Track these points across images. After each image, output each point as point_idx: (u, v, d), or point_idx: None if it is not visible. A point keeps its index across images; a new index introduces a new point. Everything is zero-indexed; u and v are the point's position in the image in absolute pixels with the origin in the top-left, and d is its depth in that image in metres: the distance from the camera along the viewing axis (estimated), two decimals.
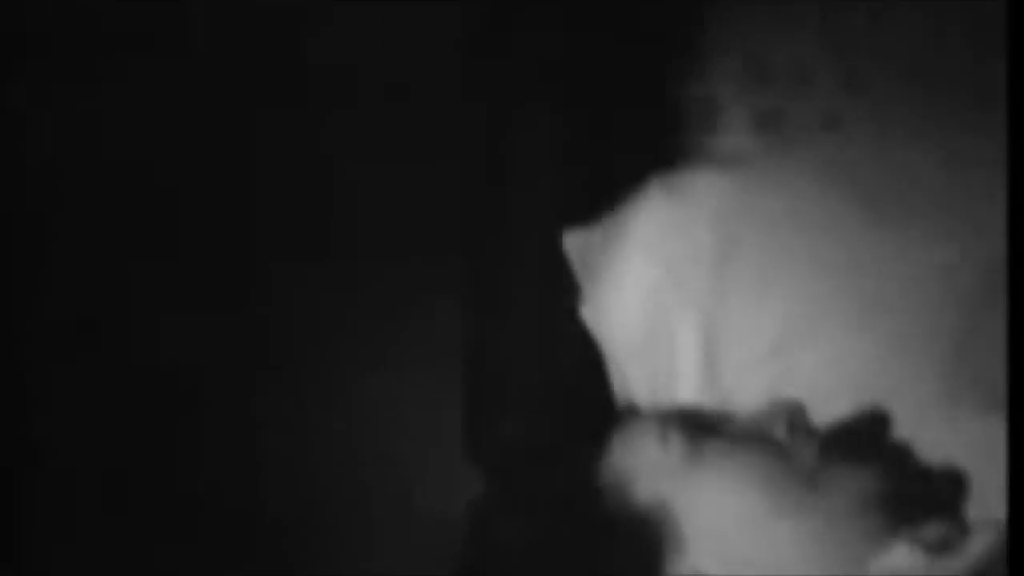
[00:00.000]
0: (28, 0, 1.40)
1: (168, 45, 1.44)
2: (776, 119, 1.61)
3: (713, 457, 1.34)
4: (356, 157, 1.51)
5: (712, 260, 1.51)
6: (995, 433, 1.43)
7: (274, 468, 1.43)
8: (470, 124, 1.58)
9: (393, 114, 1.52)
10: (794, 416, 1.37)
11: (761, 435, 1.36)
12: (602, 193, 1.59)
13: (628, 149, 1.61)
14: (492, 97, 1.59)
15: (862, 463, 1.34)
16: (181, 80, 1.45)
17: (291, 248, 1.48)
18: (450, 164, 1.57)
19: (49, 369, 1.39)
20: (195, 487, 1.38)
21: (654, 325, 1.51)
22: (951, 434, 1.43)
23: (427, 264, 1.52)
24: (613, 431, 1.41)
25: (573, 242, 1.58)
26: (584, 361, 1.55)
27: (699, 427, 1.37)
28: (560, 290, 1.57)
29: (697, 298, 1.51)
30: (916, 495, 1.36)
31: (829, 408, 1.44)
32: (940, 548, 1.30)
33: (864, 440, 1.42)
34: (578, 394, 1.55)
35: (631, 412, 1.49)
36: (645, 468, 1.35)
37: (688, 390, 1.50)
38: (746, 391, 1.48)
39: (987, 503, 1.40)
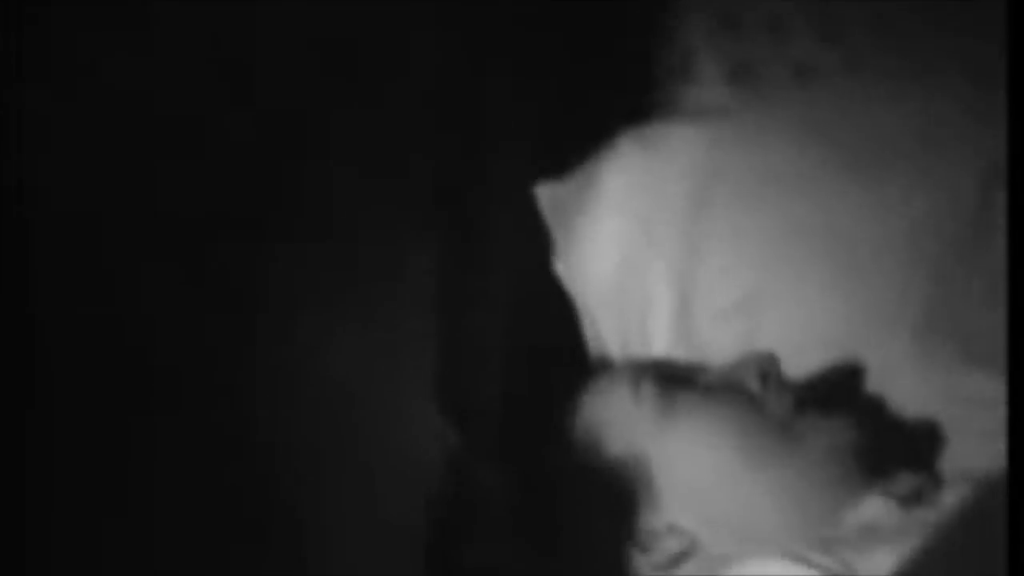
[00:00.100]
0: None
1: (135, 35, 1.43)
2: (750, 72, 1.59)
3: (686, 410, 1.34)
4: (329, 112, 1.49)
5: (684, 214, 1.51)
6: (968, 386, 1.43)
7: (244, 419, 1.41)
8: (443, 80, 1.56)
9: (366, 69, 1.51)
10: (767, 368, 1.36)
11: (734, 387, 1.36)
12: (575, 147, 1.58)
13: (601, 103, 1.60)
14: (466, 52, 1.57)
15: (835, 416, 1.34)
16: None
17: (263, 202, 1.47)
18: (424, 119, 1.55)
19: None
20: (167, 432, 1.37)
21: (626, 279, 1.51)
22: (924, 388, 1.43)
23: (401, 217, 1.50)
24: (586, 384, 1.40)
25: (546, 196, 1.57)
26: (557, 314, 1.54)
27: (672, 380, 1.37)
28: (533, 244, 1.56)
29: (669, 252, 1.50)
30: (889, 448, 1.36)
31: (802, 361, 1.44)
32: (913, 500, 1.29)
33: (837, 393, 1.42)
34: (551, 347, 1.54)
35: (604, 365, 1.48)
36: (618, 421, 1.34)
37: (661, 343, 1.50)
38: (719, 344, 1.48)
39: (961, 456, 1.40)
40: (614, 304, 1.51)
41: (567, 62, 1.61)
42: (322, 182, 1.49)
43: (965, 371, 1.43)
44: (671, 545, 1.30)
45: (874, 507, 1.29)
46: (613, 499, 1.31)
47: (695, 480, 1.31)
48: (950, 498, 1.28)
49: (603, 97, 1.61)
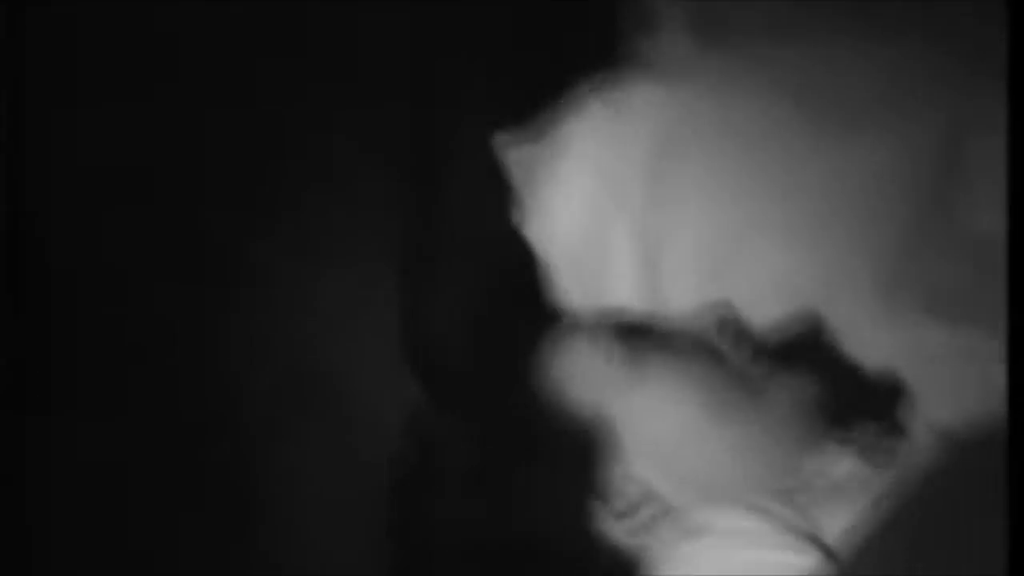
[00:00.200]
0: None
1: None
2: (715, 28, 1.58)
3: (649, 364, 1.33)
4: (294, 73, 1.48)
5: (649, 170, 1.49)
6: (931, 340, 1.43)
7: (209, 378, 1.41)
8: (404, 35, 1.55)
9: (322, 30, 1.50)
10: (729, 321, 1.36)
11: (696, 340, 1.36)
12: (539, 102, 1.56)
13: (566, 57, 1.59)
14: (430, 8, 1.57)
15: (797, 368, 1.34)
16: None
17: (229, 159, 1.46)
18: (389, 74, 1.54)
19: None
20: (136, 387, 1.37)
21: (591, 234, 1.50)
22: (887, 340, 1.43)
23: (365, 171, 1.49)
24: (550, 340, 1.39)
25: (510, 152, 1.55)
26: (521, 269, 1.53)
27: (635, 334, 1.37)
28: (497, 200, 1.54)
29: (633, 207, 1.49)
30: (851, 400, 1.36)
31: (765, 315, 1.44)
32: (875, 452, 1.29)
33: (799, 345, 1.42)
34: (515, 302, 1.54)
35: (568, 320, 1.48)
36: (582, 376, 1.34)
37: (625, 298, 1.48)
38: (682, 299, 1.46)
39: (923, 409, 1.40)
40: (578, 259, 1.50)
41: (531, 15, 1.60)
42: (288, 143, 1.49)
43: (928, 325, 1.43)
44: (632, 496, 1.30)
45: (835, 459, 1.29)
46: (577, 454, 1.31)
47: (657, 433, 1.31)
48: (912, 451, 1.29)
49: (568, 51, 1.59)
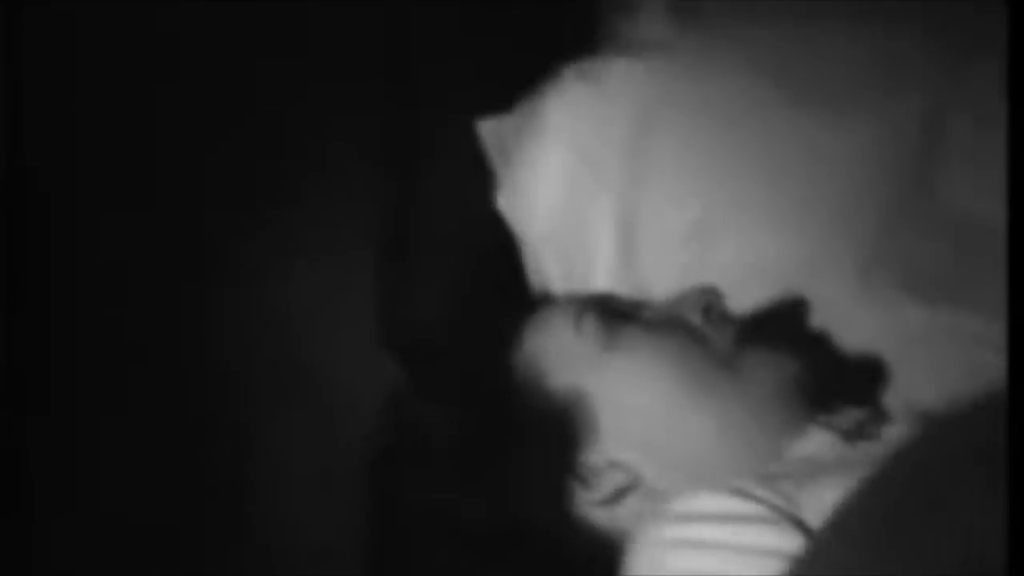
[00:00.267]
0: None
1: None
2: (693, 6, 1.57)
3: (628, 343, 1.32)
4: (269, 48, 1.47)
5: (627, 148, 1.49)
6: (913, 321, 1.42)
7: (191, 357, 1.40)
8: (381, 19, 1.54)
9: (297, 21, 1.49)
10: (710, 301, 1.35)
11: (677, 321, 1.34)
12: (518, 82, 1.55)
13: (544, 35, 1.57)
14: None
15: (779, 350, 1.32)
16: None
17: (203, 137, 1.45)
18: (364, 50, 1.53)
19: None
20: (113, 368, 1.36)
21: (570, 213, 1.49)
22: (869, 322, 1.43)
23: (341, 149, 1.48)
24: (528, 317, 1.38)
25: (489, 128, 1.55)
26: (499, 247, 1.52)
27: (614, 314, 1.35)
28: (476, 178, 1.53)
29: (612, 186, 1.48)
30: (833, 382, 1.35)
31: (746, 295, 1.43)
32: (857, 434, 1.28)
33: (781, 327, 1.41)
34: (493, 280, 1.53)
35: (547, 299, 1.47)
36: (560, 355, 1.33)
37: (604, 278, 1.48)
38: (662, 278, 1.46)
39: (905, 390, 1.39)
40: (557, 238, 1.49)
41: None
42: (267, 122, 1.48)
43: (909, 304, 1.42)
44: (613, 480, 1.29)
45: (817, 441, 1.28)
46: (555, 434, 1.30)
47: (637, 414, 1.29)
48: (894, 432, 1.28)
49: (547, 31, 1.58)
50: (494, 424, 1.32)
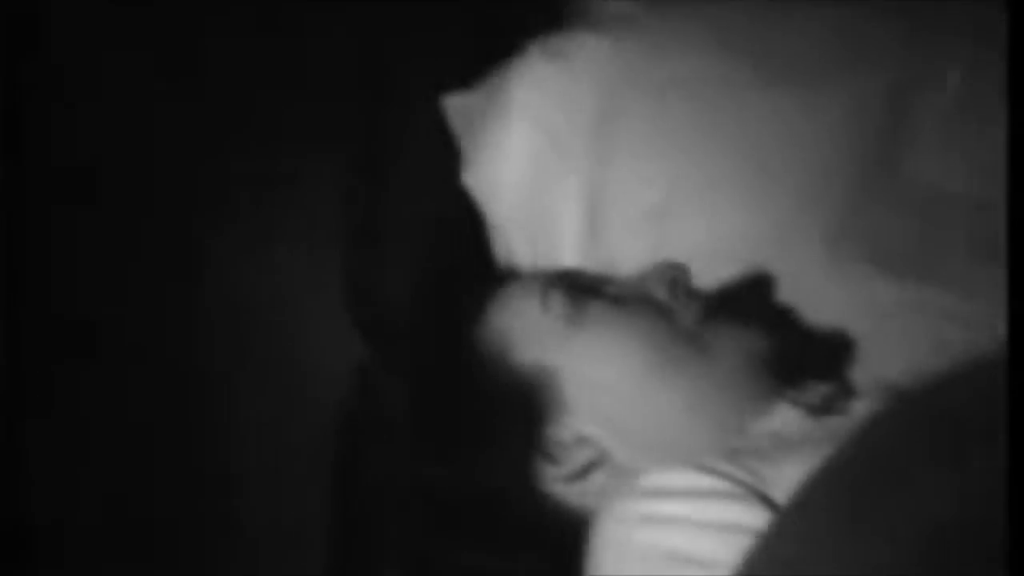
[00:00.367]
0: None
1: None
2: None
3: (594, 319, 1.31)
4: (237, 38, 1.47)
5: (593, 125, 1.48)
6: (880, 295, 1.42)
7: (156, 334, 1.40)
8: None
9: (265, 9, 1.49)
10: (676, 277, 1.34)
11: (643, 296, 1.34)
12: (484, 58, 1.54)
13: (510, 14, 1.56)
14: None
15: (745, 325, 1.32)
16: None
17: (174, 116, 1.45)
18: (332, 32, 1.52)
19: None
20: (83, 344, 1.36)
21: (535, 190, 1.48)
22: (836, 297, 1.42)
23: (309, 129, 1.48)
24: (494, 294, 1.37)
25: (455, 107, 1.54)
26: (466, 226, 1.51)
27: (580, 290, 1.34)
28: (442, 155, 1.52)
29: (578, 163, 1.47)
30: (799, 357, 1.35)
31: (712, 271, 1.42)
32: (823, 409, 1.28)
33: (747, 302, 1.40)
34: (460, 259, 1.52)
35: (512, 275, 1.46)
36: (526, 331, 1.32)
37: (570, 255, 1.47)
38: (629, 255, 1.45)
39: (872, 365, 1.39)
40: (523, 216, 1.48)
41: None
42: (233, 100, 1.47)
43: (877, 280, 1.42)
44: (580, 456, 1.28)
45: (783, 417, 1.27)
46: (521, 409, 1.29)
47: (604, 390, 1.28)
48: (861, 407, 1.28)
49: (512, 8, 1.57)
50: (460, 400, 1.32)
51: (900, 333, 1.40)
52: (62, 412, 1.33)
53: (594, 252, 1.47)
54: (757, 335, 1.31)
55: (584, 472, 1.28)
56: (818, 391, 1.31)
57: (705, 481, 1.18)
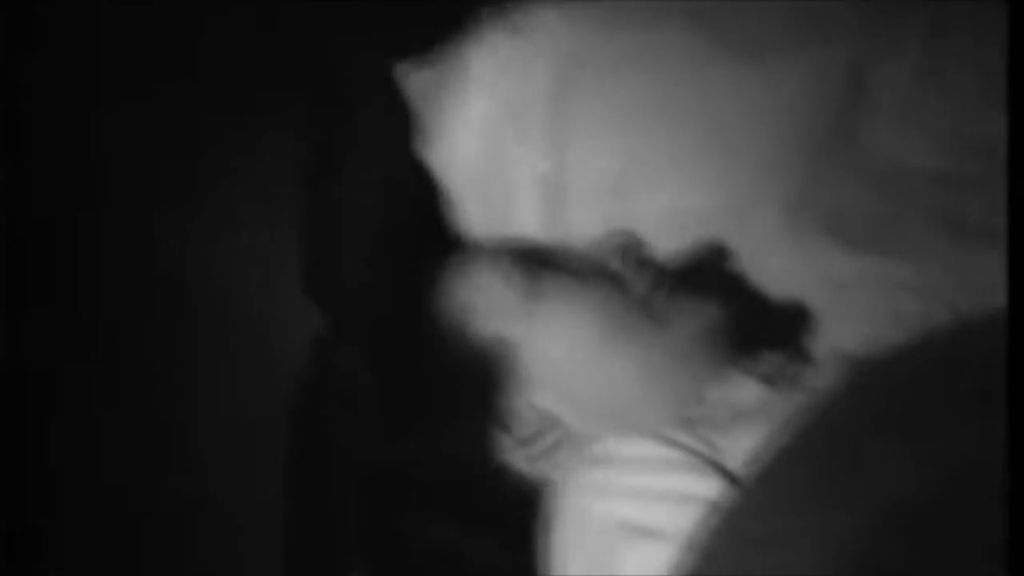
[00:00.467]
0: None
1: None
2: None
3: (552, 292, 1.31)
4: (189, 10, 1.47)
5: (552, 99, 1.46)
6: (837, 267, 1.42)
7: (113, 306, 1.40)
8: None
9: None
10: (631, 249, 1.34)
11: (598, 268, 1.33)
12: (441, 30, 1.53)
13: None
14: None
15: (701, 296, 1.31)
16: None
17: (132, 89, 1.44)
18: (288, 6, 1.51)
19: None
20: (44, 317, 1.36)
21: (493, 162, 1.46)
22: (793, 268, 1.42)
23: (265, 102, 1.47)
24: (451, 266, 1.37)
25: (412, 79, 1.52)
26: (423, 198, 1.50)
27: (537, 261, 1.34)
28: (399, 127, 1.51)
29: (536, 135, 1.46)
30: (756, 328, 1.34)
31: (670, 242, 1.42)
32: (779, 380, 1.28)
33: (704, 273, 1.40)
34: (417, 231, 1.51)
35: (470, 246, 1.45)
36: (483, 303, 1.31)
37: (528, 227, 1.46)
38: (586, 227, 1.44)
39: (829, 336, 1.39)
40: (480, 188, 1.47)
41: None
42: (191, 72, 1.46)
43: (835, 252, 1.41)
44: (537, 427, 1.28)
45: (739, 387, 1.27)
46: (479, 381, 1.28)
47: (560, 362, 1.28)
48: (817, 378, 1.27)
49: None
50: (418, 372, 1.31)
51: (857, 304, 1.39)
52: (25, 390, 1.33)
53: (552, 225, 1.45)
54: (713, 306, 1.31)
55: (542, 443, 1.28)
56: (774, 362, 1.31)
57: (660, 451, 1.18)
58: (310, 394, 1.36)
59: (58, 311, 1.36)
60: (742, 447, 1.16)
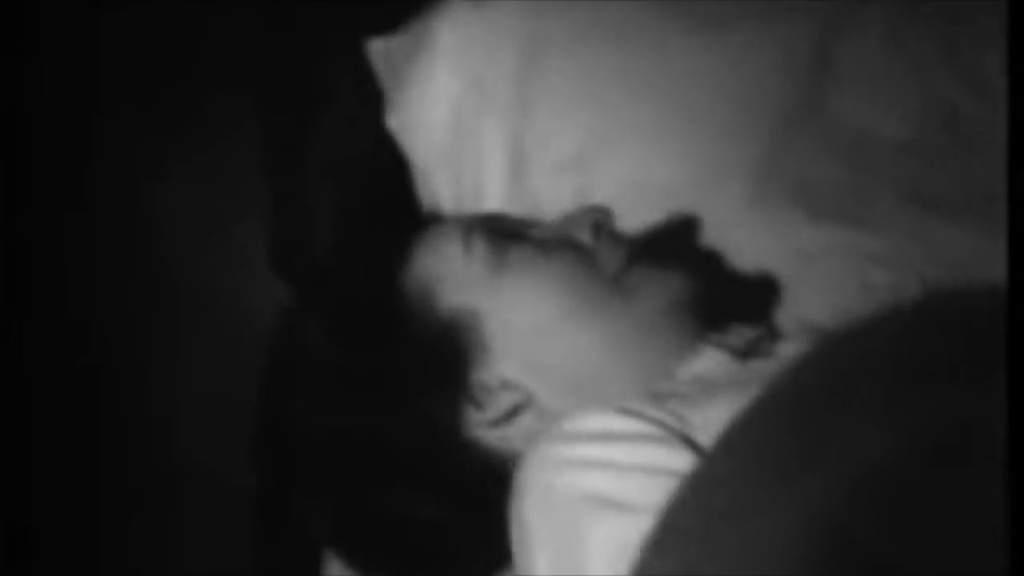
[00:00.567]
0: None
1: None
2: None
3: (518, 263, 1.29)
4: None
5: (517, 70, 1.46)
6: (805, 239, 1.42)
7: (82, 282, 1.39)
8: None
9: None
10: (599, 221, 1.33)
11: (565, 240, 1.32)
12: (408, 3, 1.52)
13: None
14: None
15: (668, 268, 1.30)
16: None
17: (95, 63, 1.43)
18: None
19: None
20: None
21: (460, 136, 1.46)
22: (762, 240, 1.42)
23: (231, 75, 1.46)
24: (417, 238, 1.36)
25: (379, 52, 1.51)
26: (390, 171, 1.49)
27: (503, 233, 1.33)
28: (366, 99, 1.50)
29: (502, 108, 1.46)
30: (724, 300, 1.34)
31: (637, 215, 1.41)
32: (748, 352, 1.27)
33: (671, 246, 1.39)
34: (384, 204, 1.50)
35: (436, 219, 1.44)
36: (449, 275, 1.30)
37: (495, 200, 1.45)
38: (554, 200, 1.44)
39: (797, 308, 1.39)
40: (447, 161, 1.47)
41: None
42: (154, 45, 1.45)
43: (802, 224, 1.41)
44: (505, 400, 1.27)
45: (708, 360, 1.26)
46: (445, 354, 1.27)
47: (526, 334, 1.27)
48: (786, 350, 1.27)
49: None
50: (384, 344, 1.30)
51: (826, 276, 1.39)
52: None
53: (518, 196, 1.45)
54: (681, 278, 1.30)
55: (509, 416, 1.27)
56: (743, 334, 1.30)
57: (629, 424, 1.17)
58: (277, 367, 1.35)
59: (25, 287, 1.35)
60: (712, 420, 1.14)
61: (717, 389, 1.21)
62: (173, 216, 1.43)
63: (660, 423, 1.17)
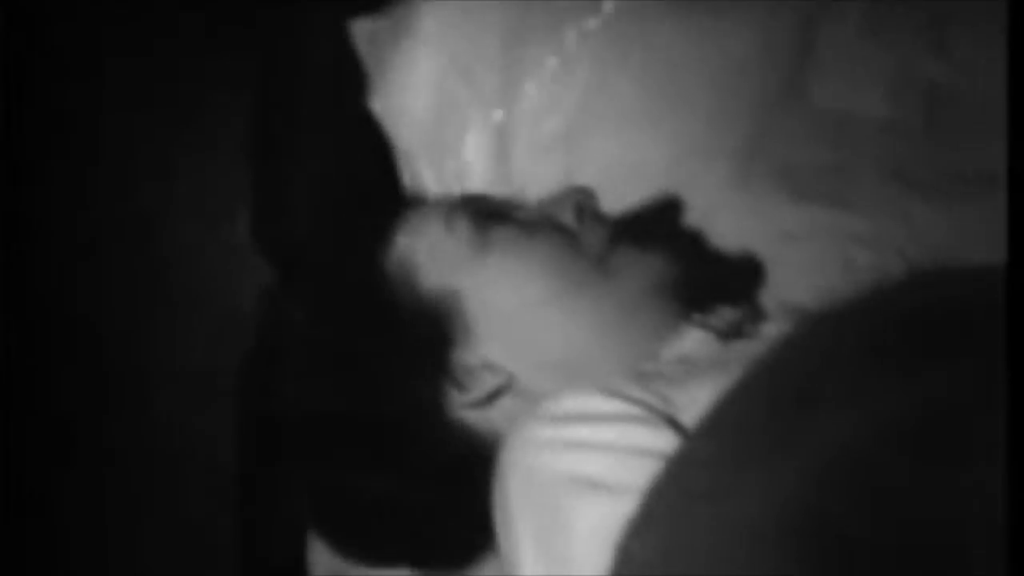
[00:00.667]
0: None
1: None
2: None
3: (501, 244, 1.29)
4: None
5: (500, 52, 1.46)
6: (789, 220, 1.41)
7: (62, 264, 1.39)
8: None
9: None
10: (583, 202, 1.32)
11: (549, 221, 1.32)
12: None
13: None
14: None
15: (653, 250, 1.29)
16: None
17: (84, 47, 1.43)
18: None
19: None
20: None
21: (443, 117, 1.46)
22: (745, 221, 1.41)
23: (216, 54, 1.46)
24: (400, 219, 1.36)
25: (363, 33, 1.51)
26: (374, 152, 1.49)
27: (486, 214, 1.32)
28: (349, 81, 1.50)
29: (486, 90, 1.46)
30: (708, 281, 1.34)
31: (621, 196, 1.41)
32: (731, 333, 1.27)
33: (654, 227, 1.39)
34: (367, 185, 1.50)
35: (419, 200, 1.44)
36: (432, 256, 1.29)
37: (478, 181, 1.45)
38: (537, 182, 1.43)
39: (780, 289, 1.39)
40: (431, 142, 1.47)
41: None
42: (133, 25, 1.45)
43: (785, 204, 1.41)
44: (487, 381, 1.26)
45: (691, 340, 1.25)
46: (428, 334, 1.27)
47: (511, 315, 1.26)
48: (770, 331, 1.27)
49: None
50: (366, 326, 1.30)
51: (808, 256, 1.39)
52: None
53: (501, 177, 1.45)
54: (664, 259, 1.29)
55: (491, 397, 1.26)
56: (726, 314, 1.29)
57: (612, 405, 1.17)
58: (259, 347, 1.35)
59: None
60: (696, 401, 1.14)
61: (701, 370, 1.21)
62: (153, 197, 1.43)
63: (644, 404, 1.16)
